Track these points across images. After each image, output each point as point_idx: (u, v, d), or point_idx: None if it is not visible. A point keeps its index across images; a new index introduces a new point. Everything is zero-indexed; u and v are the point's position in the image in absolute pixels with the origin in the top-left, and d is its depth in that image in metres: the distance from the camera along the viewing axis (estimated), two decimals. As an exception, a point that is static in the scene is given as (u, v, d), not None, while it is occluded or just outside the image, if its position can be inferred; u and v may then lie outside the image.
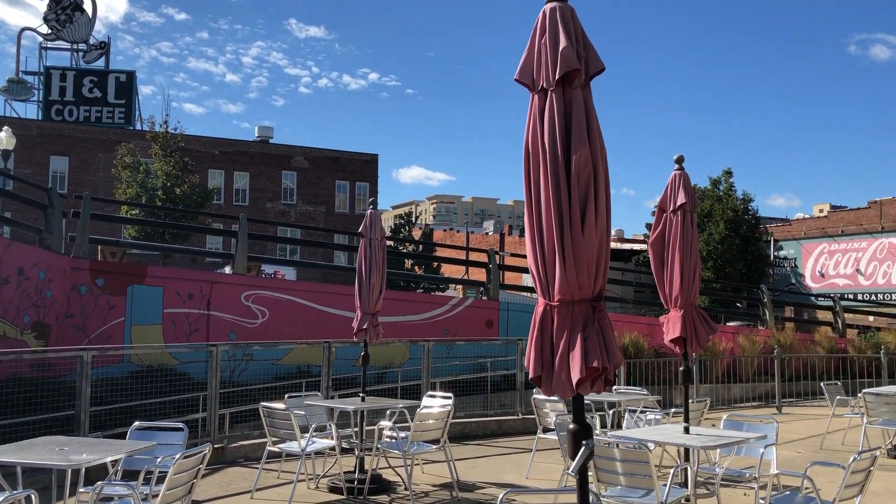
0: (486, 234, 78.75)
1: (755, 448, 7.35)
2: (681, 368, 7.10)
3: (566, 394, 3.24)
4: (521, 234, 71.43)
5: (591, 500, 3.66)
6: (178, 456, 5.38)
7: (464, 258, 38.97)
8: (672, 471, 6.40)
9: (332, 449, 8.88)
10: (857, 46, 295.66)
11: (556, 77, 3.23)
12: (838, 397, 12.76)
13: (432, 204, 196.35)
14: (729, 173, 48.32)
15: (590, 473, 5.73)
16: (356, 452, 8.98)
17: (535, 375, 3.32)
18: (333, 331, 15.21)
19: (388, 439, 9.23)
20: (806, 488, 6.27)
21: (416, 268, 52.20)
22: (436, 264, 49.96)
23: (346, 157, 51.93)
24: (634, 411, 9.78)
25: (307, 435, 8.57)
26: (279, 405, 8.79)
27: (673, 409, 11.69)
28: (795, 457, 10.99)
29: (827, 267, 49.13)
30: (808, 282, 49.52)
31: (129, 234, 33.05)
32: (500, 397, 15.14)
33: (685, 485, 6.79)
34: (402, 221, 61.25)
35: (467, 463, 10.36)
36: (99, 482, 5.84)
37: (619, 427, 10.48)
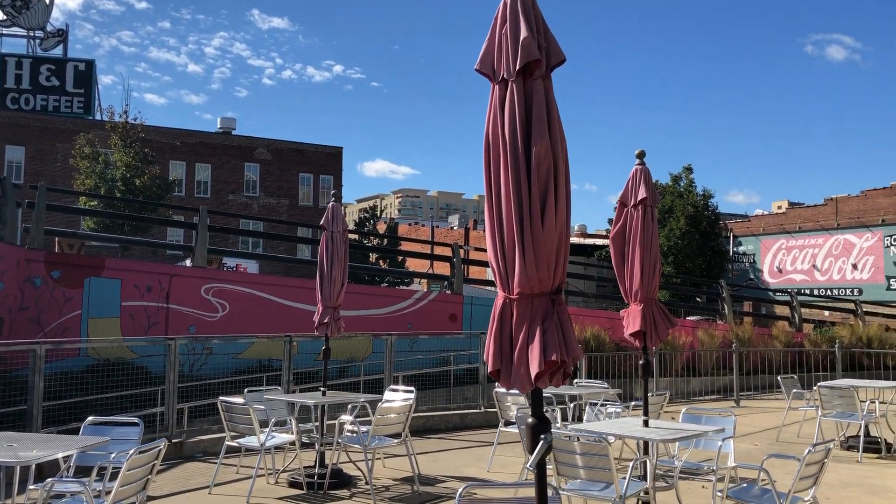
0: (452, 228, 78.79)
1: (713, 441, 7.43)
2: (641, 362, 7.15)
3: (525, 388, 3.22)
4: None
5: (550, 494, 3.65)
6: (132, 451, 5.27)
7: (428, 252, 38.94)
8: (631, 464, 6.44)
9: (293, 443, 8.80)
10: (813, 46, 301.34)
11: (517, 67, 3.20)
12: (794, 390, 12.97)
13: (397, 198, 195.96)
14: (689, 170, 48.95)
15: (549, 467, 5.74)
16: (316, 447, 8.91)
17: (493, 369, 3.30)
18: (296, 325, 15.06)
19: (349, 434, 9.17)
20: (762, 480, 6.35)
21: (381, 262, 52.06)
22: (400, 258, 49.84)
23: (310, 149, 51.51)
24: (595, 404, 9.83)
25: (267, 429, 8.47)
26: (238, 399, 8.68)
27: (633, 403, 11.80)
28: (752, 449, 11.16)
29: (784, 263, 50.03)
30: (766, 277, 50.38)
31: (88, 225, 32.43)
32: (462, 391, 15.15)
33: (644, 478, 6.83)
34: (366, 215, 60.98)
35: (429, 457, 10.34)
36: (49, 479, 5.70)
37: (580, 420, 10.53)
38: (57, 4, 77.67)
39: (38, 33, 46.47)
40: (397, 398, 9.50)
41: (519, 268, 3.16)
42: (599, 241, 53.18)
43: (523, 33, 3.19)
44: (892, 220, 44.55)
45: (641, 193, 6.70)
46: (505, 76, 3.27)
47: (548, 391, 9.96)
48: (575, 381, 12.08)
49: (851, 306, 33.65)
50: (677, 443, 7.54)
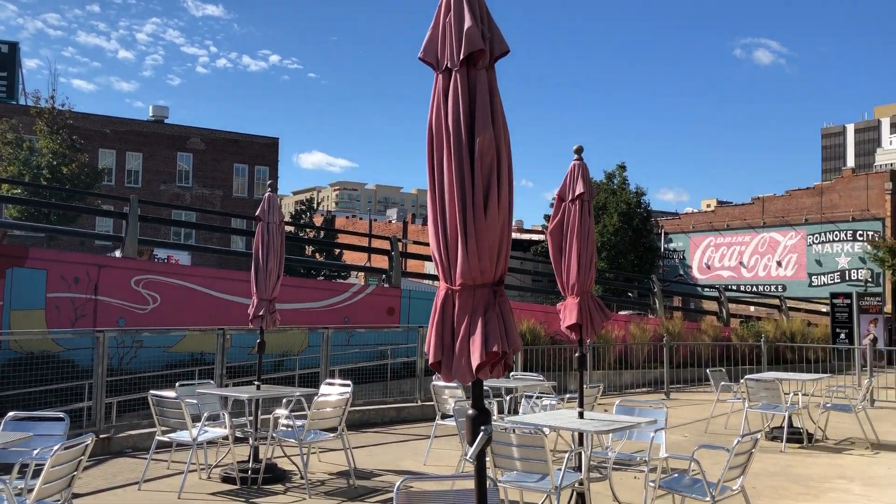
0: (390, 221, 78.53)
1: (645, 432, 7.58)
2: (576, 354, 7.23)
3: (466, 379, 3.21)
4: (425, 223, 71.58)
5: (488, 486, 3.66)
6: (56, 447, 5.08)
7: (366, 245, 38.67)
8: (567, 455, 6.51)
9: (226, 438, 8.62)
10: (742, 50, 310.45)
11: (461, 57, 3.18)
12: (722, 383, 13.33)
13: (335, 190, 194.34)
14: (623, 167, 49.87)
15: (486, 459, 5.76)
16: (250, 442, 8.76)
17: (434, 361, 3.28)
18: (229, 317, 14.79)
19: (283, 428, 9.04)
20: (693, 471, 6.50)
21: (317, 254, 51.53)
22: (337, 251, 49.44)
23: (245, 139, 50.61)
24: (531, 397, 9.93)
25: (199, 424, 8.29)
26: (170, 393, 8.48)
27: (567, 395, 11.97)
28: (682, 440, 11.43)
29: (713, 259, 51.43)
30: (695, 273, 51.71)
31: (11, 214, 31.22)
32: (399, 385, 15.12)
33: (579, 469, 6.92)
34: (303, 207, 60.29)
35: (365, 451, 10.29)
36: (-32, 476, 5.45)
37: (516, 412, 10.62)
38: (-22, -17, 74.55)
39: (-42, 13, 44.48)
40: (334, 392, 9.42)
41: (462, 259, 3.15)
42: (535, 237, 53.79)
43: (467, 23, 3.17)
44: (814, 220, 46.23)
45: (579, 189, 6.77)
46: (449, 65, 3.24)
47: (485, 384, 10.01)
48: (511, 373, 12.18)
49: (776, 302, 34.82)
50: (611, 434, 7.67)
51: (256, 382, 9.00)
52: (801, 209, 47.15)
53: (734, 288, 44.27)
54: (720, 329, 24.63)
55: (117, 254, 18.29)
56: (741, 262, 49.79)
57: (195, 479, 8.48)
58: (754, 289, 46.55)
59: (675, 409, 14.17)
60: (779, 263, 47.95)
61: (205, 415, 8.50)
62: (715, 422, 12.97)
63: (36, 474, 5.40)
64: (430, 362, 3.29)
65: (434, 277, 34.69)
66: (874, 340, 21.64)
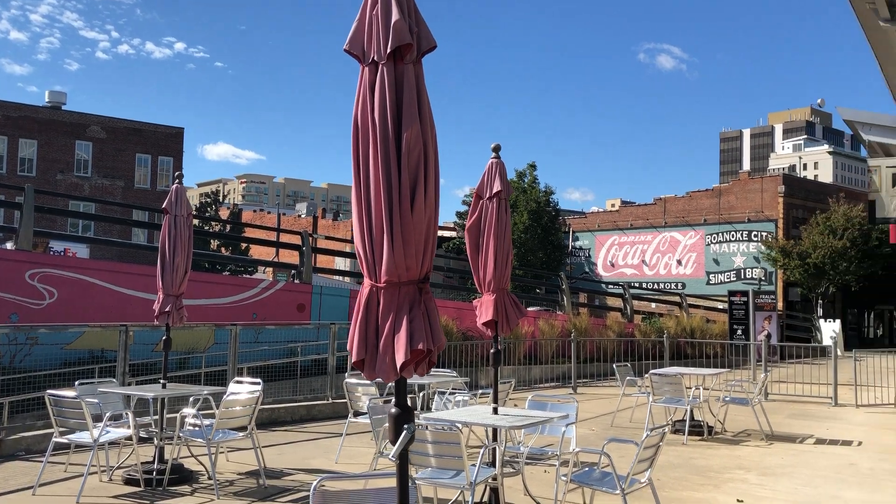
0: (299, 216, 77.45)
1: (557, 427, 7.71)
2: (491, 351, 7.28)
3: (389, 377, 3.17)
4: (335, 218, 70.89)
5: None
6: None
7: (275, 240, 37.97)
8: (481, 451, 6.56)
9: (129, 439, 8.30)
10: (645, 55, 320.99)
11: (388, 50, 3.13)
12: (628, 378, 13.71)
13: (241, 183, 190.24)
14: (533, 167, 50.73)
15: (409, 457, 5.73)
16: (155, 442, 8.46)
17: (357, 359, 3.22)
18: (132, 313, 14.25)
19: (191, 427, 8.77)
20: (603, 464, 6.65)
21: (223, 249, 50.32)
22: (244, 246, 48.39)
23: (148, 129, 48.85)
24: (444, 393, 9.95)
25: (101, 424, 7.94)
26: (69, 392, 8.09)
27: (480, 391, 12.06)
28: (589, 434, 11.70)
29: (617, 257, 52.94)
30: (600, 271, 53.12)
31: None
32: (310, 382, 14.90)
33: (493, 464, 6.98)
34: (208, 200, 58.78)
35: (275, 449, 10.10)
36: None
37: (429, 409, 10.64)
38: None
39: None
40: (243, 390, 9.19)
41: (387, 255, 3.10)
42: (447, 234, 54.06)
43: (395, 16, 3.12)
44: (713, 220, 48.17)
45: (496, 186, 6.82)
46: (375, 58, 3.19)
47: (398, 381, 9.97)
48: (424, 370, 12.17)
49: (677, 299, 36.09)
50: (523, 429, 7.76)
51: (162, 381, 8.70)
52: (700, 210, 49.06)
53: (637, 285, 45.67)
54: (624, 325, 25.35)
55: (9, 246, 17.35)
56: (644, 261, 51.44)
57: (96, 481, 8.13)
58: (656, 286, 48.15)
59: (582, 404, 14.44)
60: (679, 262, 49.78)
61: (107, 414, 8.15)
62: (621, 415, 13.32)
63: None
64: (352, 361, 3.23)
65: (345, 273, 34.43)
66: (768, 336, 22.69)
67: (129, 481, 8.16)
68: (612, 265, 52.90)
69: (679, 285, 47.53)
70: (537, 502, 7.35)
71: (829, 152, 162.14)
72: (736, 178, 53.79)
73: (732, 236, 47.35)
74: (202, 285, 16.80)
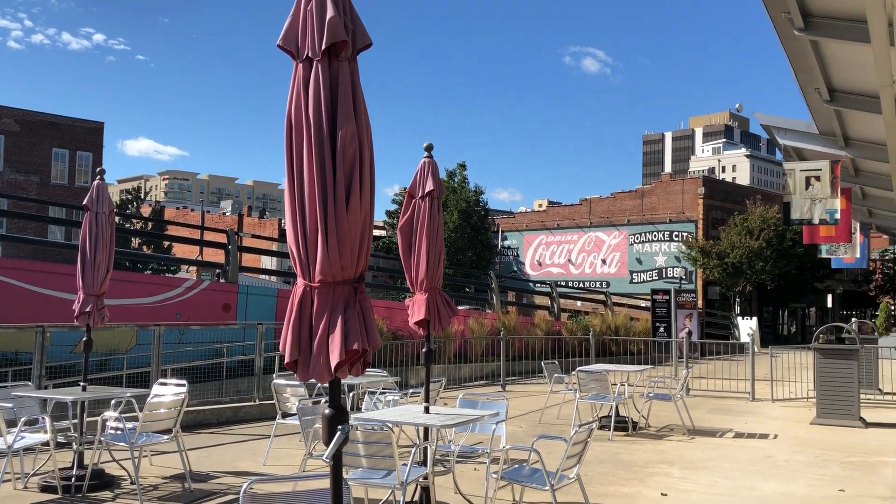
0: (224, 214, 75.97)
1: (487, 425, 7.77)
2: (423, 350, 7.28)
3: (324, 378, 3.13)
4: (261, 216, 69.78)
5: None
6: None
7: (198, 238, 37.12)
8: (413, 450, 6.55)
9: (46, 444, 7.98)
10: (571, 58, 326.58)
11: (323, 47, 3.09)
12: (555, 375, 13.90)
13: (164, 180, 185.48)
14: (463, 166, 51.07)
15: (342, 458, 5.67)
16: (75, 447, 8.16)
17: (290, 360, 3.17)
18: (49, 313, 13.71)
19: (112, 431, 8.49)
20: (533, 461, 6.73)
21: (145, 247, 48.97)
22: (167, 244, 47.20)
23: (66, 123, 47.07)
24: (374, 393, 9.91)
25: (15, 429, 7.61)
26: (-20, 397, 7.73)
27: (410, 390, 12.04)
28: (518, 431, 11.82)
29: (544, 257, 53.72)
30: (528, 270, 53.81)
31: None
32: (236, 383, 14.63)
33: (424, 463, 6.98)
34: (129, 196, 57.16)
35: (201, 452, 9.87)
36: None
37: (359, 409, 10.58)
38: None
39: None
40: (168, 392, 8.95)
41: (321, 255, 3.06)
42: (378, 232, 53.86)
43: (330, 12, 3.09)
44: (636, 221, 49.35)
45: (429, 185, 6.82)
46: (310, 55, 3.14)
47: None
48: (353, 370, 12.09)
49: (602, 298, 36.84)
50: (454, 428, 7.79)
51: (82, 383, 8.39)
52: (624, 211, 50.19)
53: (563, 284, 46.44)
54: (552, 323, 25.72)
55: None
56: (570, 260, 52.33)
57: (9, 489, 7.79)
58: (581, 285, 49.05)
59: (511, 401, 14.58)
60: (603, 261, 50.83)
61: (22, 419, 7.82)
62: (549, 412, 13.51)
63: None
64: (285, 362, 3.18)
65: (272, 272, 33.89)
66: (689, 334, 23.37)
67: (45, 488, 7.85)
68: (540, 264, 53.65)
69: (604, 284, 48.52)
70: (468, 500, 7.38)
71: (747, 156, 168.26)
72: (658, 179, 55.23)
73: (655, 236, 48.59)
74: (124, 284, 16.31)
